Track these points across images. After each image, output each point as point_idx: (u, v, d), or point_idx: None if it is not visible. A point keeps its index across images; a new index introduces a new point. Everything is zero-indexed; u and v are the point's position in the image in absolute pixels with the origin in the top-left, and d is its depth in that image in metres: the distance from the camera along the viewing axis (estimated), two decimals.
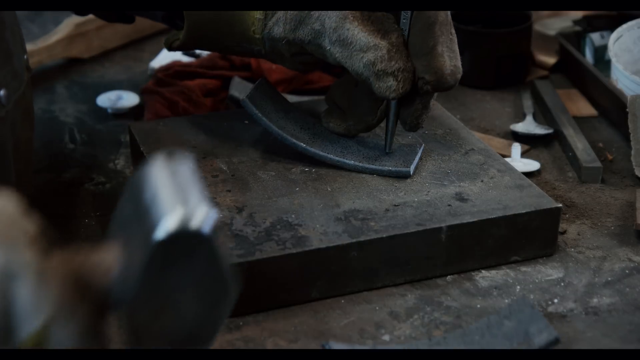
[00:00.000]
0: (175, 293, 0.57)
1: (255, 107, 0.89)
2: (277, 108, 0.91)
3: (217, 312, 0.58)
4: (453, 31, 0.85)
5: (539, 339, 0.72)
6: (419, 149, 0.90)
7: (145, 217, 0.55)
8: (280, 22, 0.85)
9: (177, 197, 0.56)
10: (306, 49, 0.86)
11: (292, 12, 0.84)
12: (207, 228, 0.55)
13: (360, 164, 0.87)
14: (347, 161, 0.87)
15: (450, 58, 0.83)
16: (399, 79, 0.82)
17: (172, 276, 0.56)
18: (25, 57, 0.82)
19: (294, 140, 0.88)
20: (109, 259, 0.57)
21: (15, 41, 0.79)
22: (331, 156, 0.88)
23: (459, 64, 0.85)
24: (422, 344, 0.73)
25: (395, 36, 0.83)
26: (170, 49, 0.91)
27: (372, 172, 0.87)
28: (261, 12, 0.86)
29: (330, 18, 0.82)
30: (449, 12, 0.84)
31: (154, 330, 0.57)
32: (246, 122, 0.96)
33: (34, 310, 0.55)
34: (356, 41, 0.82)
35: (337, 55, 0.83)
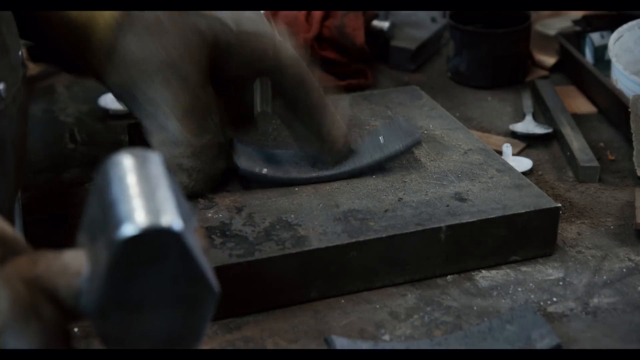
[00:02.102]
0: (150, 295, 0.53)
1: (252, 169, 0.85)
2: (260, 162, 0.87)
3: (198, 313, 0.55)
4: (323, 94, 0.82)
5: (541, 344, 0.72)
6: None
7: (110, 216, 0.52)
8: (113, 85, 0.79)
9: (143, 193, 0.52)
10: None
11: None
12: (176, 225, 0.51)
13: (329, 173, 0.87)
14: (339, 171, 0.87)
15: (338, 130, 0.84)
16: (192, 178, 0.80)
17: (143, 278, 0.52)
18: (20, 53, 0.82)
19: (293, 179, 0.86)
20: (76, 262, 0.54)
21: (11, 36, 0.79)
22: (325, 173, 0.87)
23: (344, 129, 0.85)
24: (423, 344, 0.73)
25: (209, 137, 0.80)
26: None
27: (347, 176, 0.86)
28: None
29: (157, 101, 0.77)
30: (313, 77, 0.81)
31: (131, 334, 0.54)
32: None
33: None
34: (171, 130, 0.78)
35: (144, 122, 0.79)
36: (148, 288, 0.52)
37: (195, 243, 0.53)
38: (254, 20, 0.78)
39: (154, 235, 0.50)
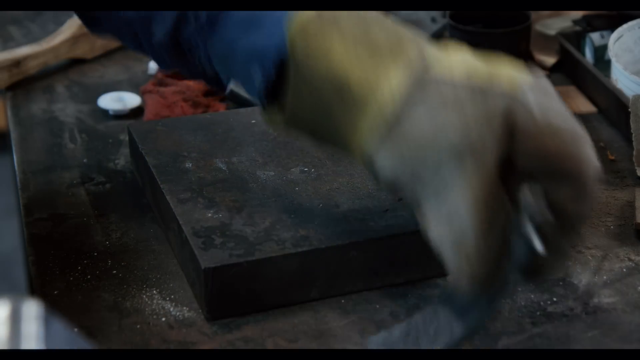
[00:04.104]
0: None
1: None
2: None
3: None
4: None
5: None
6: None
7: None
8: (388, 160, 0.67)
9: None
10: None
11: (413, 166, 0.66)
12: None
13: None
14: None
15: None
16: (473, 269, 0.65)
17: None
18: None
19: None
20: None
21: None
22: None
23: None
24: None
25: (496, 236, 0.65)
26: (272, 124, 0.74)
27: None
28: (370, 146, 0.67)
29: (447, 184, 0.65)
30: None
31: None
32: (253, 121, 0.96)
33: None
34: (457, 221, 0.64)
35: (426, 203, 0.66)
36: None
37: None
38: (562, 114, 0.66)
39: None
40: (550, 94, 0.67)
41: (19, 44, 1.25)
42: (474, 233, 0.64)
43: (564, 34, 1.23)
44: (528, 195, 0.66)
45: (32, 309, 0.49)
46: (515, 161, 0.65)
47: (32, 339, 0.48)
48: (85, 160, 1.01)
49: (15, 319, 0.49)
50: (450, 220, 0.65)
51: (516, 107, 0.65)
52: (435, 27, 1.27)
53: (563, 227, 0.66)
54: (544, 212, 0.65)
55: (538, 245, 0.65)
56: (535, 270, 0.67)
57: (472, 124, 0.64)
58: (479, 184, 0.64)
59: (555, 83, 1.17)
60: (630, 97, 1.00)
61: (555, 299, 0.79)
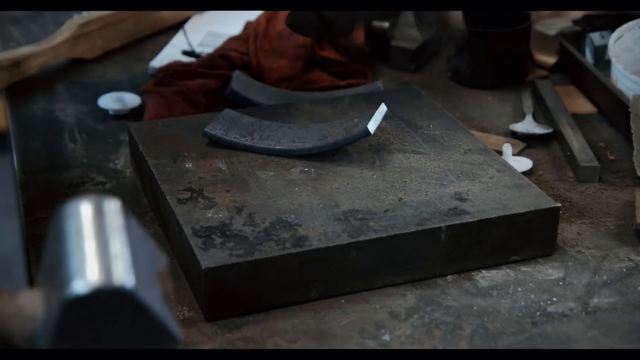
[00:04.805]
0: (105, 341, 0.53)
1: (219, 132, 0.92)
2: (241, 133, 0.93)
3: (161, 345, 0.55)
4: None
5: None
6: (379, 108, 0.91)
7: (63, 269, 0.52)
8: None
9: (96, 249, 0.52)
10: None
11: None
12: (128, 283, 0.51)
13: (319, 144, 0.89)
14: (309, 145, 0.90)
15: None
16: None
17: (95, 330, 0.52)
18: None
19: (260, 147, 0.91)
20: (31, 306, 0.54)
21: None
22: (292, 148, 0.90)
23: None
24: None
25: None
26: None
27: (334, 147, 0.89)
28: None
29: None
30: None
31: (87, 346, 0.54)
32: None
33: None
34: None
35: None
36: (103, 337, 0.52)
37: (153, 294, 0.53)
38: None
39: (105, 294, 0.51)
40: None
41: (19, 44, 1.25)
42: None
43: (564, 34, 1.23)
44: None
45: (112, 205, 0.54)
46: None
47: (117, 231, 0.53)
48: (85, 160, 1.01)
49: (100, 215, 0.53)
50: None
51: None
52: (435, 27, 1.26)
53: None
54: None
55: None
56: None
57: None
58: None
59: (555, 83, 1.17)
60: (630, 97, 1.00)
61: (555, 299, 0.79)
